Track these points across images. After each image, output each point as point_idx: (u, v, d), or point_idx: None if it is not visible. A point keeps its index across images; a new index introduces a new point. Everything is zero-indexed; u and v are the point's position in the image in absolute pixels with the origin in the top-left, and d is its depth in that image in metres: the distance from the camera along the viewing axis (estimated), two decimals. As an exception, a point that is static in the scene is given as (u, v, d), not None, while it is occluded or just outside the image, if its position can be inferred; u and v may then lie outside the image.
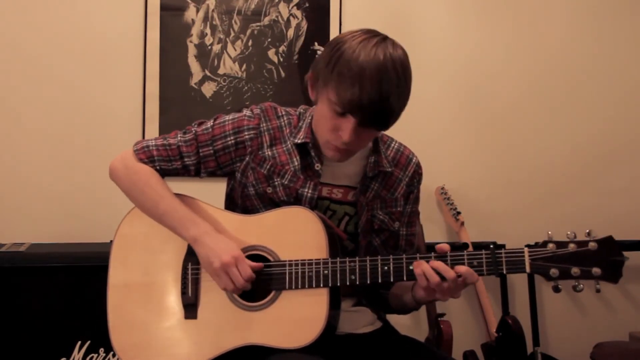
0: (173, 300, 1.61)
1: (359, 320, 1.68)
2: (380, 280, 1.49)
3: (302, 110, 1.68)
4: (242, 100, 2.85)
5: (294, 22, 2.89)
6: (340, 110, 1.46)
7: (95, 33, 2.74)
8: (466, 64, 3.05)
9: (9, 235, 2.62)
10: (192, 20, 2.81)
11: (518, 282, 3.03)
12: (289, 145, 1.63)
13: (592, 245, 1.39)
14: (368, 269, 1.50)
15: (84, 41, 2.73)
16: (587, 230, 1.41)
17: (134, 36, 2.77)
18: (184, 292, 1.60)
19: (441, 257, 1.46)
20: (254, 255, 1.57)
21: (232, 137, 1.63)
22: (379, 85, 1.41)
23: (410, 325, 2.94)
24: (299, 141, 1.61)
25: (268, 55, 2.88)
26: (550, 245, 1.41)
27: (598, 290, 1.40)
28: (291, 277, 1.51)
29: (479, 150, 3.08)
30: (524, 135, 3.11)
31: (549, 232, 1.44)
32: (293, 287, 1.51)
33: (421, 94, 2.96)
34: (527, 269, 1.41)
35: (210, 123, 1.66)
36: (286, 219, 1.57)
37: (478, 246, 2.78)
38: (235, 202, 1.69)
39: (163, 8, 2.78)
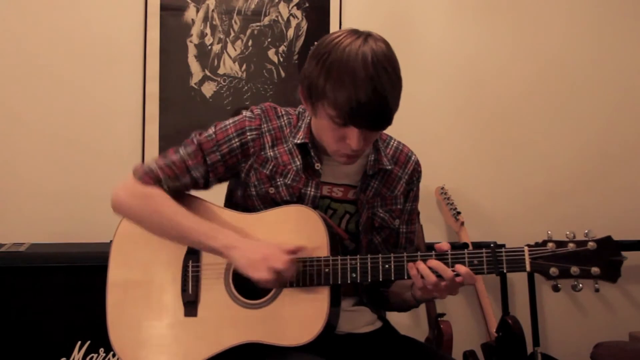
0: (173, 298, 1.61)
1: (359, 320, 1.68)
2: (381, 279, 1.50)
3: (301, 110, 1.68)
4: (242, 100, 2.85)
5: (294, 22, 2.89)
6: (342, 122, 1.45)
7: (96, 33, 2.74)
8: (466, 64, 3.05)
9: (9, 235, 2.62)
10: (192, 20, 2.81)
11: (518, 282, 3.04)
12: (290, 145, 1.63)
13: (591, 245, 1.39)
14: (369, 267, 1.50)
15: (84, 41, 2.73)
16: (586, 230, 1.42)
17: (134, 36, 2.77)
18: (184, 290, 1.60)
19: (442, 256, 1.46)
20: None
21: (236, 140, 1.62)
22: (374, 88, 1.40)
23: (410, 325, 2.94)
24: (299, 141, 1.62)
25: (268, 55, 2.88)
26: (550, 245, 1.42)
27: (597, 290, 1.41)
28: None
29: (479, 150, 3.08)
30: (524, 135, 3.11)
31: (549, 232, 1.45)
32: (294, 285, 1.52)
33: (421, 94, 3.00)
34: (527, 268, 1.42)
35: (211, 130, 1.64)
36: (287, 218, 1.57)
37: (478, 246, 2.77)
38: (236, 202, 1.69)
39: (163, 8, 2.78)
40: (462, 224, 2.85)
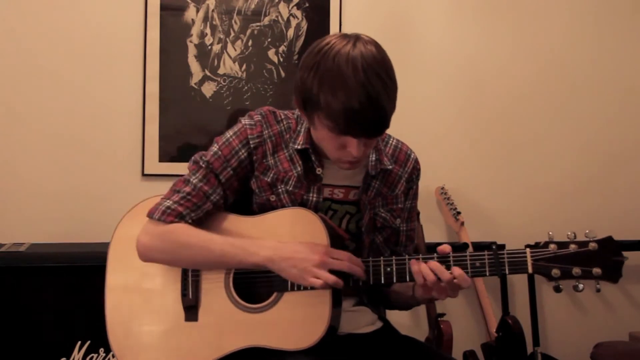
0: (173, 303, 1.60)
1: (359, 320, 1.68)
2: (383, 282, 1.50)
3: (299, 113, 1.67)
4: (242, 100, 2.85)
5: (294, 22, 2.89)
6: (339, 132, 1.44)
7: (95, 33, 2.74)
8: (466, 64, 3.05)
9: (9, 235, 2.62)
10: (192, 20, 2.81)
11: (518, 283, 3.04)
12: (291, 151, 1.62)
13: (593, 245, 1.40)
14: (371, 271, 1.50)
15: (84, 41, 2.73)
16: (587, 231, 1.42)
17: (134, 36, 2.76)
18: (184, 294, 1.59)
19: (443, 258, 1.46)
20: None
21: (243, 151, 1.60)
22: (367, 94, 1.38)
23: (410, 325, 2.94)
24: (299, 147, 1.60)
25: (268, 55, 2.88)
26: (552, 246, 1.42)
27: (598, 290, 1.41)
28: None
29: (479, 150, 3.08)
30: (524, 135, 3.11)
31: (550, 233, 1.45)
32: (295, 289, 1.51)
33: (421, 94, 3.00)
34: (529, 270, 1.42)
35: (215, 147, 1.61)
36: (287, 220, 1.57)
37: (478, 246, 2.79)
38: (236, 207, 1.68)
39: (163, 8, 2.78)
40: (462, 224, 2.85)
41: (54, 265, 2.31)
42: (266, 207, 1.61)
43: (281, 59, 2.88)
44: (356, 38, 1.45)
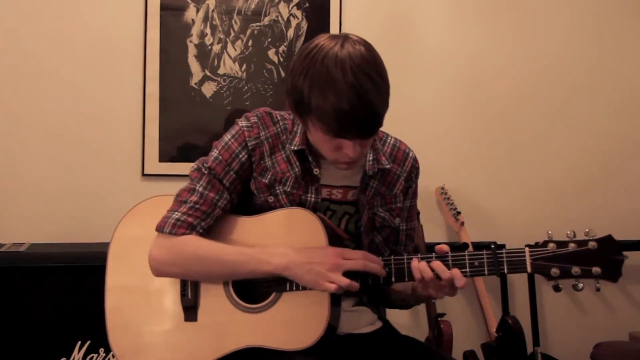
0: (172, 303, 1.60)
1: (359, 320, 1.68)
2: (381, 282, 1.50)
3: None
4: (242, 100, 2.85)
5: (294, 22, 2.89)
6: (333, 135, 1.43)
7: (96, 33, 2.74)
8: (466, 63, 3.05)
9: (9, 235, 2.62)
10: (192, 20, 2.81)
11: (518, 282, 3.03)
12: (288, 152, 1.61)
13: (592, 244, 1.39)
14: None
15: (84, 41, 2.73)
16: (586, 230, 1.42)
17: (134, 36, 2.77)
18: (183, 295, 1.59)
19: (442, 257, 1.46)
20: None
21: (243, 153, 1.60)
22: (357, 95, 1.37)
23: (410, 325, 2.94)
24: (296, 148, 1.60)
25: (268, 55, 2.88)
26: (551, 245, 1.41)
27: (598, 289, 1.40)
28: None
29: (479, 150, 3.08)
30: (524, 135, 3.11)
31: (549, 232, 1.44)
32: (294, 289, 1.51)
33: (421, 94, 3.00)
34: (528, 269, 1.42)
35: (215, 152, 1.61)
36: (286, 220, 1.57)
37: (478, 246, 2.77)
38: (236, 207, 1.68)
39: (163, 8, 2.78)
40: (462, 224, 2.85)
41: (54, 265, 2.31)
42: (265, 208, 1.61)
43: (281, 59, 2.88)
44: (344, 38, 1.44)
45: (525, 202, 3.09)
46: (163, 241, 1.56)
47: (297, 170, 1.60)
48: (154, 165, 2.78)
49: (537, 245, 1.43)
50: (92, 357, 2.30)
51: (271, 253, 1.50)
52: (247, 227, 1.59)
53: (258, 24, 2.86)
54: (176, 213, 1.57)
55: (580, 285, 1.40)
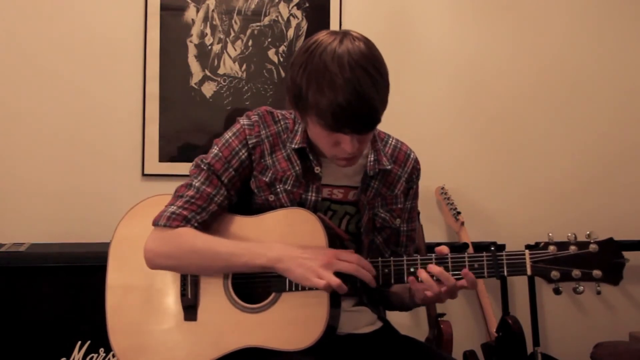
0: (172, 302, 1.61)
1: (359, 320, 1.67)
2: (381, 283, 1.50)
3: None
4: (242, 100, 2.85)
5: (294, 22, 2.89)
6: (330, 130, 1.44)
7: (96, 33, 2.74)
8: (467, 64, 3.05)
9: (9, 235, 2.62)
10: (192, 20, 2.81)
11: (518, 283, 3.03)
12: (288, 151, 1.62)
13: (593, 247, 1.38)
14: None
15: (84, 41, 2.73)
16: (588, 232, 1.41)
17: (134, 36, 2.76)
18: (183, 294, 1.60)
19: (442, 259, 1.46)
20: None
21: (243, 151, 1.60)
22: (353, 90, 1.37)
23: (410, 325, 2.94)
24: (297, 146, 1.60)
25: (268, 55, 2.87)
26: (551, 248, 1.41)
27: (599, 292, 1.40)
28: None
29: (479, 150, 3.08)
30: (524, 135, 3.11)
31: (550, 234, 1.44)
32: (293, 289, 1.51)
33: (421, 94, 2.99)
34: (528, 272, 1.41)
35: (215, 149, 1.62)
36: (285, 220, 1.57)
37: (478, 246, 2.79)
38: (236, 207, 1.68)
39: (163, 8, 2.78)
40: (462, 224, 2.85)
41: (54, 265, 2.31)
42: (265, 207, 1.61)
43: (281, 59, 2.88)
44: (344, 34, 1.44)
45: (525, 202, 3.09)
46: (158, 234, 1.57)
47: (297, 168, 1.60)
48: (154, 165, 2.78)
49: (537, 247, 1.42)
50: (92, 357, 2.30)
51: (266, 247, 1.51)
52: (247, 226, 1.59)
53: (258, 24, 2.86)
54: (172, 207, 1.58)
55: (581, 288, 1.39)
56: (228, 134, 1.63)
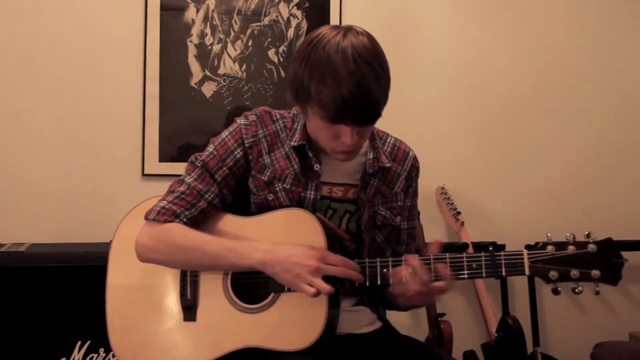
0: (172, 302, 1.61)
1: (359, 320, 1.67)
2: (379, 283, 1.50)
3: (295, 112, 1.67)
4: (242, 100, 2.85)
5: (294, 22, 2.89)
6: (331, 121, 1.44)
7: (96, 33, 2.74)
8: (467, 63, 3.05)
9: (9, 235, 2.62)
10: (192, 20, 2.81)
11: (518, 282, 3.03)
12: (287, 149, 1.62)
13: (592, 247, 1.38)
14: (367, 271, 1.50)
15: (84, 41, 2.73)
16: (587, 232, 1.41)
17: (134, 36, 2.77)
18: (182, 294, 1.60)
19: (441, 260, 1.46)
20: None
21: (238, 150, 1.61)
22: (356, 83, 1.38)
23: (410, 325, 2.94)
24: (296, 144, 1.61)
25: (268, 55, 2.87)
26: (550, 248, 1.40)
27: (597, 293, 1.39)
28: None
29: (479, 150, 3.08)
30: (524, 135, 3.11)
31: (548, 234, 1.43)
32: (292, 290, 1.51)
33: (421, 94, 3.00)
34: (527, 272, 1.41)
35: (210, 147, 1.62)
36: (284, 221, 1.57)
37: (478, 246, 2.78)
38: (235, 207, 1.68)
39: (163, 8, 2.78)
40: (462, 224, 2.85)
41: (54, 265, 2.31)
42: (264, 206, 1.61)
43: (281, 59, 2.88)
44: (347, 29, 1.46)
45: (525, 202, 3.09)
46: (149, 228, 1.58)
47: (296, 167, 1.60)
48: (154, 165, 2.78)
49: (535, 247, 1.42)
50: (92, 357, 2.30)
51: (253, 247, 1.50)
52: (245, 227, 1.59)
53: (258, 24, 2.86)
54: (163, 202, 1.59)
55: (579, 288, 1.38)
56: (224, 133, 1.63)
